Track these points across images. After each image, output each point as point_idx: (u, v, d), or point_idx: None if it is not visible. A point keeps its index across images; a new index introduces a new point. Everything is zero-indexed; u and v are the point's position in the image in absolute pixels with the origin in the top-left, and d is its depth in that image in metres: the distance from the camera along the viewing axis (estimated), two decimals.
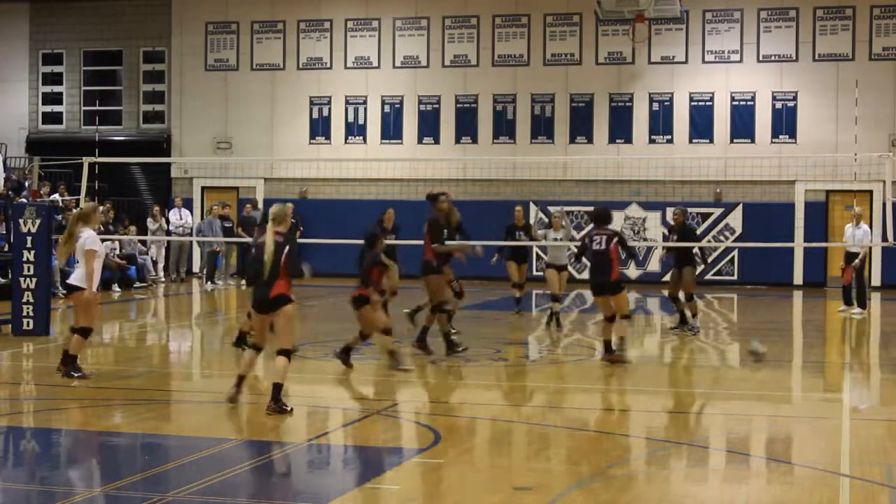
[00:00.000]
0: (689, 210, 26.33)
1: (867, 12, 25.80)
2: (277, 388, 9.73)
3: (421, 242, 13.78)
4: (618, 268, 13.17)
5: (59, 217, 22.27)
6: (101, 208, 12.75)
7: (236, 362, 12.25)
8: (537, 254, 25.67)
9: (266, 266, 9.78)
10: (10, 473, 8.02)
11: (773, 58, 26.32)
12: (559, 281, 17.39)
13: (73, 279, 11.80)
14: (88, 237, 11.72)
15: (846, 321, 19.11)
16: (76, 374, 11.44)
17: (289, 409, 9.75)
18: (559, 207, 21.21)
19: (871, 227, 20.77)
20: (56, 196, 24.53)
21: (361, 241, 16.47)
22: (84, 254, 11.64)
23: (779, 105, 26.23)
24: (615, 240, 13.13)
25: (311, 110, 28.50)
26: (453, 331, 14.05)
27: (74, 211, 12.22)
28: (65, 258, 12.33)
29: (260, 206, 27.86)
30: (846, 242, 19.90)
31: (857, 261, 19.32)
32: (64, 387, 11.18)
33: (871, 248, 19.76)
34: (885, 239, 17.06)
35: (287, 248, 9.84)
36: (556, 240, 18.02)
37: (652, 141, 26.66)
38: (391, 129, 28.02)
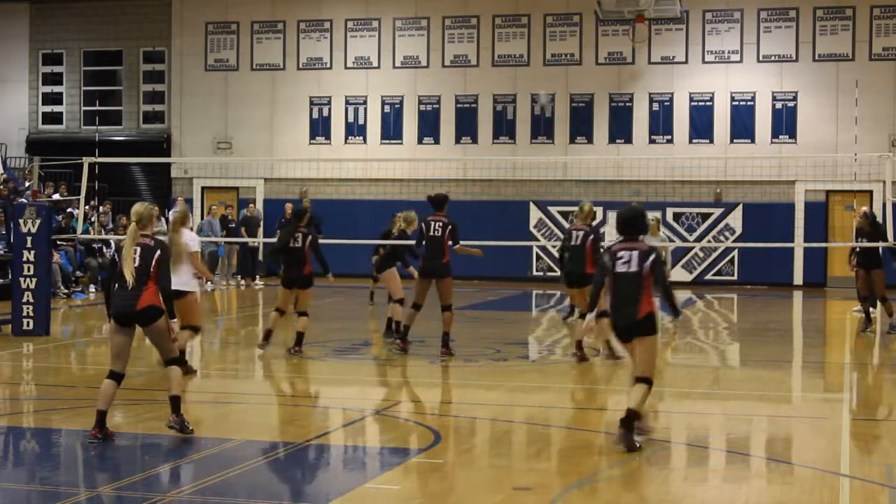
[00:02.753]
0: (689, 210, 26.51)
1: (867, 12, 25.80)
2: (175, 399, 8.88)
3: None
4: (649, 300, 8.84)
5: (59, 217, 22.29)
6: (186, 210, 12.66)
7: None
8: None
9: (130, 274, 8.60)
10: (10, 473, 8.02)
11: (773, 58, 26.32)
12: None
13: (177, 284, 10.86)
14: (190, 239, 11.86)
15: (846, 321, 19.10)
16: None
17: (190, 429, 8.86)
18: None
19: None
20: (56, 195, 24.54)
21: (361, 242, 16.55)
22: (189, 256, 11.70)
23: (779, 105, 26.23)
24: (650, 259, 8.77)
25: (311, 110, 28.50)
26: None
27: (171, 217, 12.26)
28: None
29: (260, 206, 27.88)
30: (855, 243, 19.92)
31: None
32: (64, 387, 11.17)
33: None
34: (885, 239, 17.08)
35: (158, 252, 8.74)
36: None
37: (652, 141, 26.66)
38: (391, 130, 28.02)
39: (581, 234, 13.35)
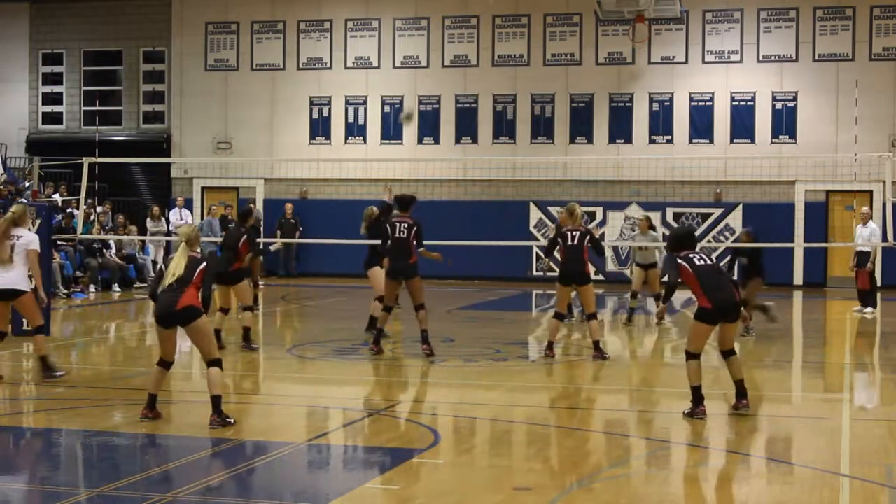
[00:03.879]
0: (689, 210, 26.49)
1: (867, 12, 25.80)
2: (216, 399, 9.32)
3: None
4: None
5: (60, 217, 22.30)
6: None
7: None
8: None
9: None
10: (10, 473, 8.02)
11: (773, 58, 26.32)
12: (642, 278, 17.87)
13: (8, 283, 11.30)
14: (29, 239, 11.54)
15: (846, 321, 19.11)
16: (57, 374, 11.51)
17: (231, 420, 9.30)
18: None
19: None
20: (56, 196, 24.54)
21: (361, 242, 16.60)
22: (29, 254, 11.39)
23: (779, 105, 26.23)
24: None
25: (311, 110, 28.50)
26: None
27: (7, 214, 11.84)
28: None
29: (260, 206, 27.88)
30: (856, 242, 19.98)
31: (869, 264, 19.46)
32: (64, 387, 11.18)
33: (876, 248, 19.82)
34: (885, 239, 17.09)
35: (204, 265, 9.46)
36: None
37: (652, 141, 26.66)
38: (391, 130, 28.02)
39: (577, 234, 13.46)
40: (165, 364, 9.55)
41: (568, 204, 14.15)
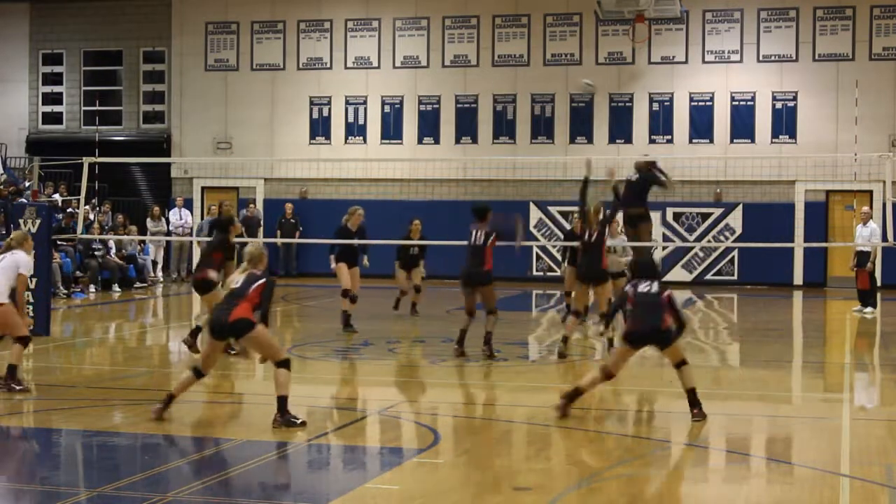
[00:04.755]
0: (689, 210, 26.49)
1: (867, 12, 25.79)
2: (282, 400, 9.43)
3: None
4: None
5: (60, 217, 22.30)
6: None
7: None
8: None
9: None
10: (10, 473, 8.02)
11: (773, 58, 26.31)
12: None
13: None
14: (24, 264, 11.18)
15: (846, 321, 19.11)
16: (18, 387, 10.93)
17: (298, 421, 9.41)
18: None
19: None
20: (56, 196, 24.54)
21: (360, 242, 16.64)
22: (18, 276, 10.99)
23: (779, 105, 26.22)
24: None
25: (311, 110, 28.49)
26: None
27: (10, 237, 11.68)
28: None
29: (260, 206, 27.88)
30: (857, 242, 19.99)
31: (869, 263, 19.46)
32: (64, 387, 11.17)
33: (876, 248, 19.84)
34: (885, 239, 17.10)
35: (262, 281, 9.51)
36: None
37: (652, 141, 26.64)
38: (391, 129, 28.01)
39: (596, 233, 13.85)
40: (198, 373, 9.59)
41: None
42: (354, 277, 16.32)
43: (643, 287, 9.96)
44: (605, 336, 14.83)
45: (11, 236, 11.68)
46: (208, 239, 24.08)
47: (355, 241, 16.37)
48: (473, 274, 13.37)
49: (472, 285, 13.41)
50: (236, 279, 9.58)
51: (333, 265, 16.44)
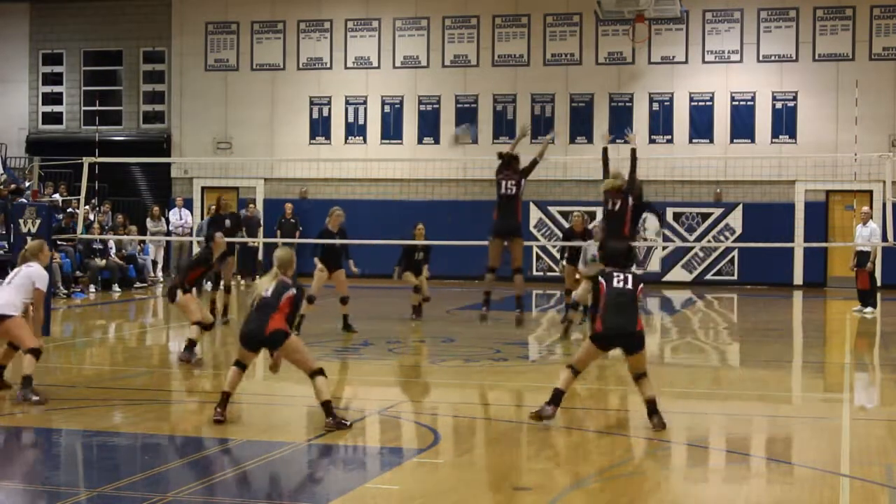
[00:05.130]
0: (689, 210, 26.50)
1: (867, 12, 25.79)
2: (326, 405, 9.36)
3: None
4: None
5: (60, 217, 22.30)
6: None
7: None
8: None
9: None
10: (10, 473, 8.02)
11: (773, 58, 26.31)
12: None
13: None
14: (39, 276, 10.66)
15: (846, 321, 19.12)
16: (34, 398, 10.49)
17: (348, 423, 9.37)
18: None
19: None
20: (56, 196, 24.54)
21: (360, 242, 16.62)
22: (31, 290, 10.53)
23: (779, 105, 26.22)
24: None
25: (311, 110, 28.50)
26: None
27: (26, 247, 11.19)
28: None
29: (260, 206, 27.88)
30: (856, 242, 19.99)
31: (869, 263, 19.46)
32: (64, 387, 11.17)
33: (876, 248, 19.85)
34: (885, 239, 17.10)
35: (292, 291, 9.46)
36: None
37: (652, 141, 26.65)
38: (391, 129, 28.02)
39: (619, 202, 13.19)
40: (241, 365, 9.57)
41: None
42: (339, 279, 16.14)
43: (617, 282, 9.47)
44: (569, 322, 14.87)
45: (26, 247, 11.16)
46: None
47: (347, 241, 16.32)
48: (507, 225, 12.64)
49: (504, 236, 12.65)
50: (266, 286, 9.45)
51: (318, 266, 16.20)
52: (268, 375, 11.62)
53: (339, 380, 12.52)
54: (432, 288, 18.64)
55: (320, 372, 9.38)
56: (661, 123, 26.71)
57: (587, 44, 27.12)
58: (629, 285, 9.46)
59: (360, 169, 27.32)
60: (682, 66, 26.69)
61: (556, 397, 9.47)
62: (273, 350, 9.45)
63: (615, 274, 9.54)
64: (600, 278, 9.60)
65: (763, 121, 26.24)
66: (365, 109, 28.21)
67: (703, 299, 23.25)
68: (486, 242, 13.33)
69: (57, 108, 30.60)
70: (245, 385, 12.06)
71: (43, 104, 30.68)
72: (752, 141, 26.20)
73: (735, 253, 26.15)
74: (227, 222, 17.86)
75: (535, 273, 26.70)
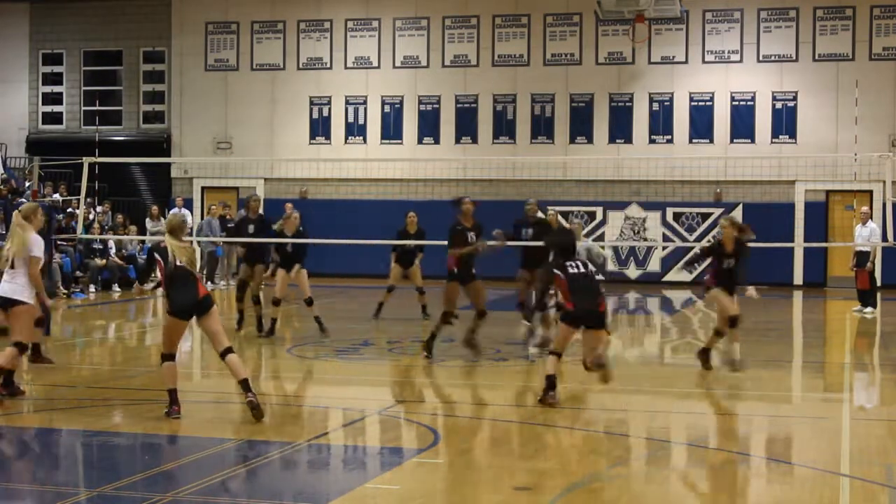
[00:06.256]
0: (689, 210, 26.50)
1: (867, 12, 25.80)
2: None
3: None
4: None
5: (60, 217, 22.30)
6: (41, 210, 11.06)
7: None
8: None
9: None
10: (10, 473, 8.02)
11: (773, 58, 26.32)
12: None
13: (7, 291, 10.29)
14: (35, 243, 10.35)
15: (846, 321, 19.11)
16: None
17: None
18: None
19: None
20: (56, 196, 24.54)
21: (361, 242, 16.59)
22: (27, 260, 10.27)
23: (779, 105, 26.23)
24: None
25: (311, 110, 28.50)
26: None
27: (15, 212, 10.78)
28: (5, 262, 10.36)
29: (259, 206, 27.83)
30: (856, 242, 20.00)
31: (869, 263, 19.47)
32: (64, 387, 11.17)
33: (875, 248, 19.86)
34: (885, 239, 17.10)
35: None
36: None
37: (652, 141, 26.66)
38: (391, 129, 28.02)
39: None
40: (171, 356, 9.73)
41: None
42: (300, 280, 15.54)
43: (572, 269, 10.47)
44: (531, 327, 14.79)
45: (19, 209, 10.79)
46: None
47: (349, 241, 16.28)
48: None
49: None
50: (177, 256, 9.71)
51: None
52: (268, 375, 11.63)
53: (339, 380, 12.52)
54: (430, 288, 18.62)
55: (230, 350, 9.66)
56: (661, 123, 26.71)
57: (587, 44, 27.13)
58: (586, 269, 10.56)
59: (360, 169, 27.33)
60: (682, 66, 26.69)
61: (552, 383, 10.37)
62: (201, 316, 9.56)
63: (568, 263, 10.52)
64: (556, 270, 10.52)
65: (763, 121, 26.24)
66: (365, 109, 28.21)
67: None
68: (486, 243, 13.40)
69: (57, 108, 30.60)
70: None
71: (43, 104, 30.69)
72: (752, 141, 26.20)
73: None
74: (251, 227, 16.42)
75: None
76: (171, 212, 10.60)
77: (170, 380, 9.65)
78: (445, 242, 13.51)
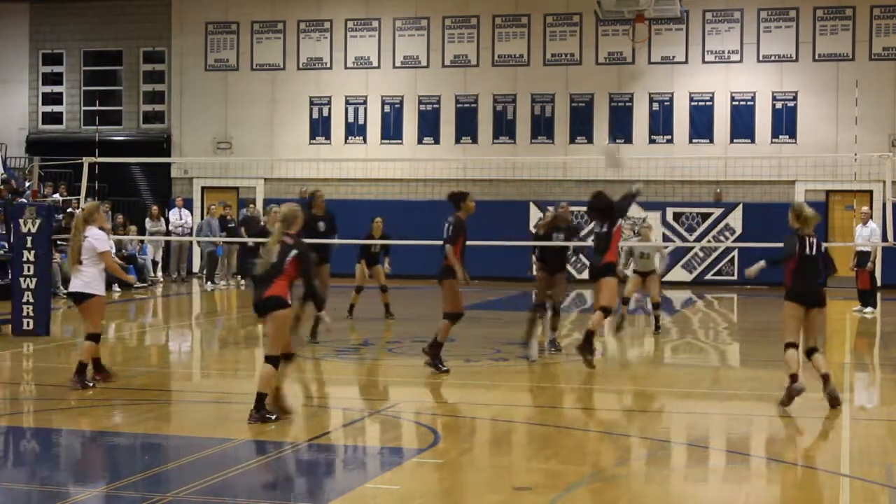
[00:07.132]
0: (689, 210, 26.50)
1: (867, 12, 25.80)
2: (259, 397, 9.38)
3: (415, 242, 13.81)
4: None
5: (60, 217, 22.29)
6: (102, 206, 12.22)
7: None
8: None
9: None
10: (10, 473, 8.02)
11: (773, 58, 26.32)
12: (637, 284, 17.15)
13: (79, 286, 11.17)
14: (96, 238, 11.23)
15: (846, 321, 19.11)
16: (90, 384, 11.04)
17: (273, 417, 9.37)
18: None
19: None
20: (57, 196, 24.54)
21: (360, 241, 16.61)
22: (96, 256, 11.15)
23: (779, 105, 26.23)
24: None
25: (311, 110, 28.50)
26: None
27: (78, 212, 11.54)
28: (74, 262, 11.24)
29: (260, 206, 27.85)
30: (856, 242, 20.00)
31: (869, 263, 19.47)
32: (64, 387, 11.17)
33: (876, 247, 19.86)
34: (885, 239, 17.10)
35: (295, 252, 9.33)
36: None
37: (652, 141, 26.66)
38: (391, 129, 28.02)
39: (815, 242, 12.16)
40: (285, 356, 9.46)
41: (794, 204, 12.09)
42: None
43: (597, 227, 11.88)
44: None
45: (82, 207, 11.58)
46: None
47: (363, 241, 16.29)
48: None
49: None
50: (272, 252, 9.32)
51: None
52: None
53: (339, 380, 12.53)
54: (431, 288, 18.63)
55: (273, 361, 9.32)
56: (661, 123, 26.71)
57: (587, 44, 27.13)
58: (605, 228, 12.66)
59: (360, 169, 27.33)
60: (682, 66, 26.69)
61: (589, 339, 11.94)
62: (263, 315, 9.38)
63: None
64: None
65: (763, 121, 26.24)
66: (365, 109, 28.21)
67: (703, 299, 23.24)
68: (486, 243, 13.40)
69: (57, 108, 30.60)
70: (245, 385, 12.07)
71: (43, 104, 30.69)
72: (752, 141, 26.20)
73: (735, 253, 26.15)
74: (321, 225, 16.26)
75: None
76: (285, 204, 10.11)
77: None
78: (404, 242, 13.43)
